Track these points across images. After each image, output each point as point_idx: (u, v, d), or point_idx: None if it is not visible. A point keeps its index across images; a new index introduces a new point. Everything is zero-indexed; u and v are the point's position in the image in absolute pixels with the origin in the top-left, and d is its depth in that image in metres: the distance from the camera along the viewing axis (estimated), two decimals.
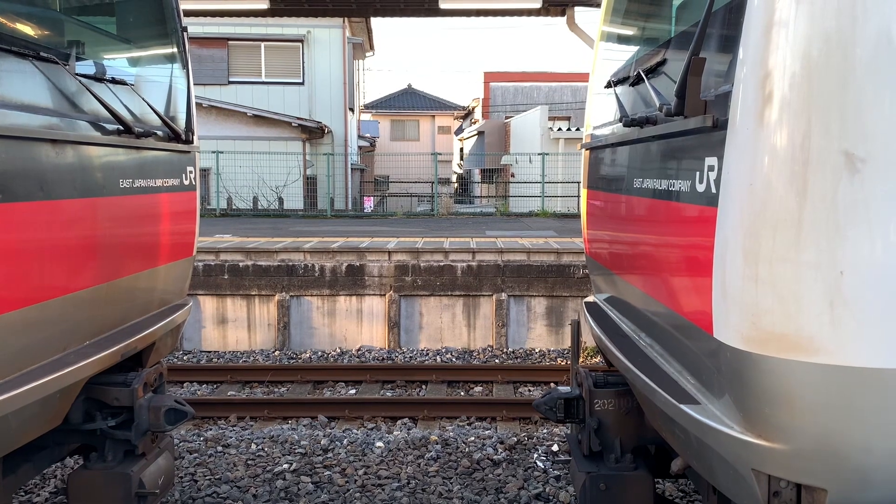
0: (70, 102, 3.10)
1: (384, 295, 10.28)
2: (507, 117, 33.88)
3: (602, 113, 4.27)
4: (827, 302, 1.99)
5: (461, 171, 40.76)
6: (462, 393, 8.45)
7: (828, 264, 1.98)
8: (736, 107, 2.17)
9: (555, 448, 5.99)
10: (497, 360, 9.70)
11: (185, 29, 4.32)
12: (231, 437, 6.28)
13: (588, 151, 4.61)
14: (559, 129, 24.34)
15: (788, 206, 2.02)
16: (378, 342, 10.31)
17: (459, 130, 44.30)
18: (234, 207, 19.49)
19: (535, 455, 5.85)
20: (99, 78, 3.39)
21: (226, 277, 10.28)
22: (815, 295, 2.01)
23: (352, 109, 25.32)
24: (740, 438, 2.20)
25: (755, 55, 2.10)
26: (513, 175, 26.17)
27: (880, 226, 1.96)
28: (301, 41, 23.13)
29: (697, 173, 2.47)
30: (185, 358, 9.85)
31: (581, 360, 8.61)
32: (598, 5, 4.74)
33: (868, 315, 1.98)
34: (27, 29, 3.05)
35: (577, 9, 12.12)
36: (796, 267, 2.02)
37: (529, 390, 8.40)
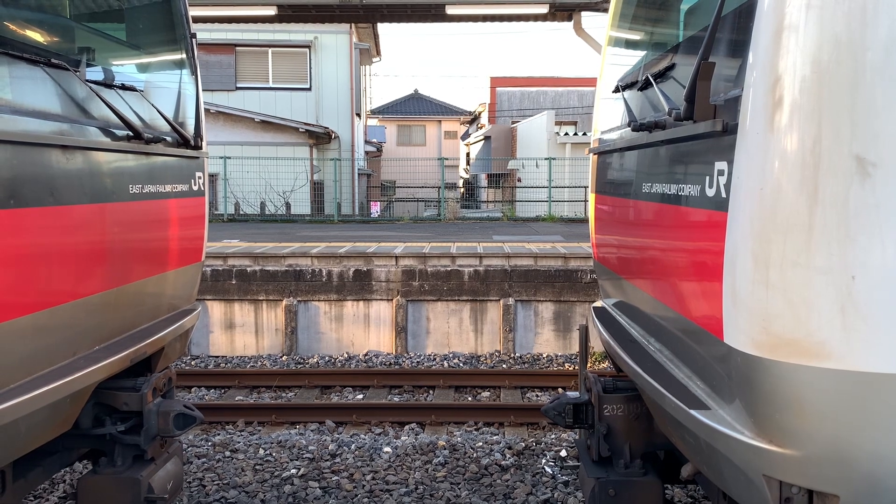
0: (80, 108, 3.11)
1: (391, 300, 10.29)
2: (513, 122, 33.89)
3: (610, 117, 4.26)
4: (838, 307, 1.98)
5: (468, 176, 40.79)
6: (469, 398, 8.43)
7: (839, 269, 1.97)
8: (746, 111, 2.16)
9: (563, 453, 5.97)
10: (504, 365, 9.69)
11: (193, 35, 4.34)
12: (239, 442, 6.28)
13: (596, 156, 4.61)
14: (566, 134, 24.33)
15: (799, 211, 2.01)
16: (385, 347, 10.31)
17: (466, 135, 44.35)
18: (241, 212, 19.55)
19: (544, 461, 5.83)
20: (109, 84, 3.41)
21: (233, 282, 10.31)
22: (826, 299, 2.00)
23: (358, 115, 25.38)
24: (751, 444, 2.19)
25: (765, 59, 2.10)
26: (519, 180, 26.16)
27: (891, 230, 1.95)
28: (308, 47, 23.21)
29: (707, 178, 2.47)
30: (193, 363, 9.87)
31: (588, 365, 8.58)
32: (606, 10, 4.74)
33: (879, 319, 1.97)
34: (38, 35, 3.07)
35: (583, 13, 12.15)
36: (807, 271, 2.01)
37: (537, 395, 8.38)
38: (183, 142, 4.02)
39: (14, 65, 2.70)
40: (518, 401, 8.14)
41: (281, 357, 10.09)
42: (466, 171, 41.50)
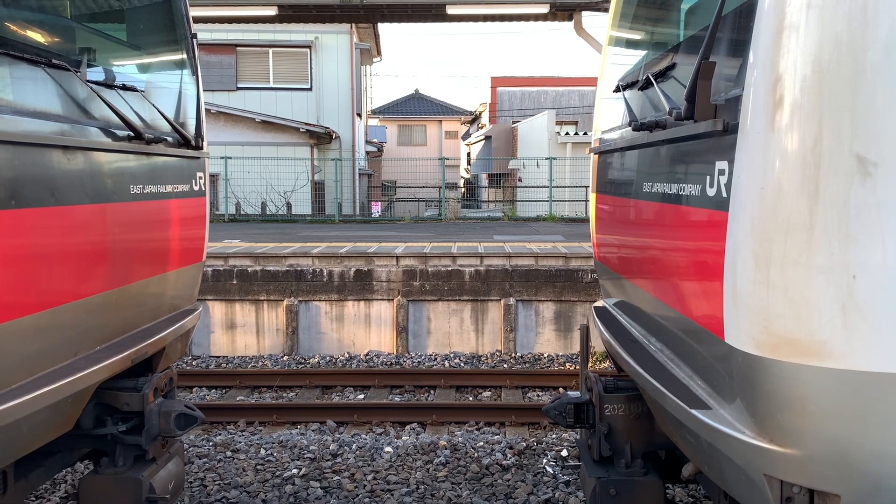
0: (81, 109, 3.12)
1: (392, 300, 10.29)
2: (514, 122, 33.90)
3: (610, 117, 4.26)
4: (839, 306, 1.98)
5: (468, 176, 40.79)
6: (470, 398, 8.43)
7: (840, 268, 1.97)
8: (746, 111, 2.16)
9: (564, 453, 5.97)
10: (505, 365, 9.69)
11: (194, 36, 4.35)
12: (240, 442, 6.28)
13: (597, 156, 4.61)
14: (567, 134, 24.31)
15: (800, 210, 2.01)
16: (386, 347, 10.31)
17: (467, 135, 44.35)
18: (242, 213, 19.56)
19: (545, 460, 5.84)
20: (109, 84, 3.41)
21: (234, 283, 10.31)
22: (826, 299, 2.00)
23: (359, 115, 25.38)
24: (752, 443, 2.19)
25: (766, 59, 2.10)
26: (520, 179, 26.16)
27: (892, 229, 1.95)
28: (309, 47, 23.22)
29: (708, 177, 2.47)
30: (194, 363, 9.88)
31: (589, 364, 8.59)
32: (606, 10, 4.74)
33: (880, 319, 1.97)
34: (39, 36, 3.07)
35: (584, 13, 12.14)
36: (808, 271, 2.01)
37: (538, 395, 8.38)
38: (184, 142, 4.02)
39: (15, 65, 2.70)
40: (519, 401, 8.14)
41: (282, 357, 10.09)
42: (467, 170, 41.50)
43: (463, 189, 38.35)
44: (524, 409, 7.56)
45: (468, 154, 41.99)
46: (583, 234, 14.06)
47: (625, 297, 3.93)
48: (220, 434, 6.86)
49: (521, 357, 10.02)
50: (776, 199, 2.06)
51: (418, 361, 9.81)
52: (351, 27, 23.27)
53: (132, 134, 3.41)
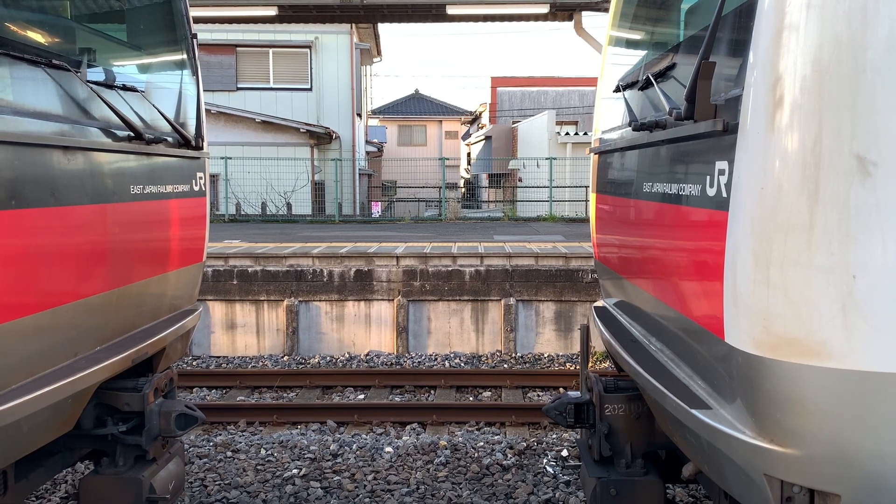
0: (81, 109, 3.12)
1: (392, 300, 10.29)
2: (514, 122, 33.89)
3: (611, 117, 4.26)
4: (839, 306, 1.98)
5: (468, 176, 40.79)
6: (471, 398, 8.44)
7: (840, 268, 1.98)
8: (746, 111, 2.17)
9: (564, 453, 5.97)
10: (506, 365, 9.69)
11: (194, 36, 4.35)
12: (240, 443, 6.29)
13: (597, 156, 4.61)
14: (567, 134, 24.31)
15: (800, 210, 2.02)
16: (386, 347, 10.31)
17: (467, 135, 44.35)
18: (242, 213, 19.56)
19: (545, 460, 5.84)
20: (110, 85, 3.41)
21: (235, 283, 10.31)
22: (826, 299, 2.00)
23: (359, 115, 25.38)
24: (752, 443, 2.19)
25: (766, 59, 2.10)
26: (520, 179, 26.16)
27: (892, 229, 1.95)
28: (309, 47, 23.22)
29: (708, 177, 2.47)
30: (194, 363, 9.88)
31: (590, 364, 8.59)
32: (606, 10, 4.74)
33: (880, 319, 1.97)
34: (39, 36, 3.07)
35: (584, 13, 12.15)
36: (808, 271, 2.02)
37: (538, 395, 8.38)
38: (184, 142, 4.02)
39: (15, 66, 2.70)
40: (519, 401, 8.14)
41: (282, 357, 10.09)
42: (467, 171, 41.49)
43: (463, 189, 38.36)
44: (524, 409, 7.56)
45: (468, 154, 41.98)
46: (583, 234, 14.06)
47: (625, 296, 3.93)
48: (220, 434, 6.86)
49: (522, 357, 10.02)
50: (776, 199, 2.06)
51: (418, 361, 9.81)
52: (351, 27, 23.27)
53: (132, 134, 3.41)
